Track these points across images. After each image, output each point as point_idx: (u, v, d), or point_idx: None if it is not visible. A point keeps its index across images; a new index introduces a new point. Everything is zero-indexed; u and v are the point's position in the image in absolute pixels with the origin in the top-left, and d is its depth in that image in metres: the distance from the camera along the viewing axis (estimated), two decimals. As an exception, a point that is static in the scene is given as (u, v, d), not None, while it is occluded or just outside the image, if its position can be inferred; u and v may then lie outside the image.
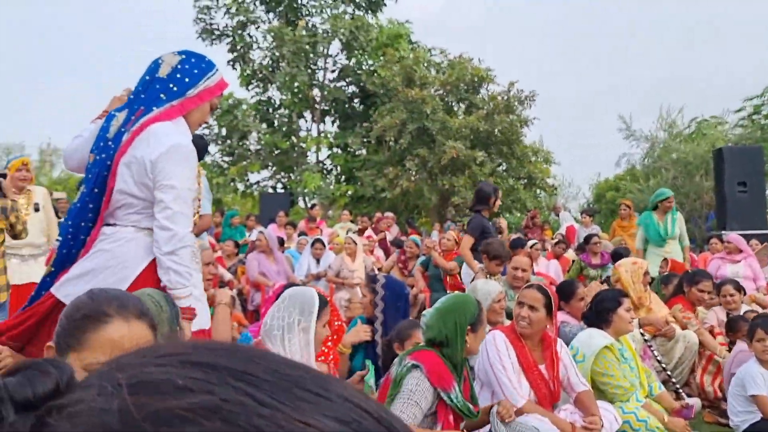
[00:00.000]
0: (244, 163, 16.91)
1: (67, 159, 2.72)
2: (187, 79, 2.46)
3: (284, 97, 17.29)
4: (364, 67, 17.14)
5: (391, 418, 0.40)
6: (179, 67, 2.46)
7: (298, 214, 19.19)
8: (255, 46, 17.14)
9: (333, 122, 18.16)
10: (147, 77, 2.49)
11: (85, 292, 1.53)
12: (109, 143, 2.42)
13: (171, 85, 2.43)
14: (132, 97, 2.50)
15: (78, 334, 1.42)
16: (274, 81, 16.83)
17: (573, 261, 8.25)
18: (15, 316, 2.47)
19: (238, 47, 16.88)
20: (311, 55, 16.76)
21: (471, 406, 2.66)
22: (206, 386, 0.37)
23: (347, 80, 17.66)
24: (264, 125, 17.04)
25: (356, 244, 8.40)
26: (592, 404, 3.09)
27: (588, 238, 7.94)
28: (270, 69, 16.95)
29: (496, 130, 15.77)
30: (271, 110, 17.82)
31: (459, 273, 7.28)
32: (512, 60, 49.35)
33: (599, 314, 3.60)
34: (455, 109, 16.78)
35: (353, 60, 17.34)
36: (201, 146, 5.30)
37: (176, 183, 2.35)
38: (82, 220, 2.48)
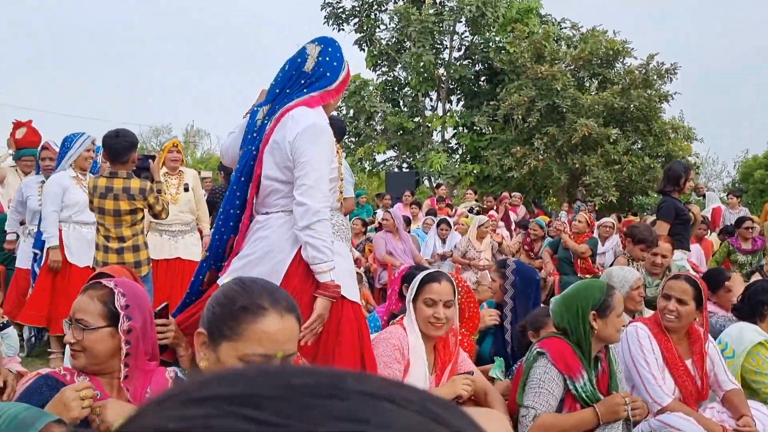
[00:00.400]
0: (371, 143, 17.19)
1: (223, 154, 2.84)
2: (328, 74, 2.52)
3: (410, 77, 17.33)
4: (491, 44, 16.75)
5: (427, 399, 0.38)
6: (320, 59, 2.51)
7: (424, 194, 19.28)
8: (381, 27, 17.27)
9: (459, 101, 17.99)
10: (293, 71, 2.54)
11: (233, 281, 1.56)
12: (254, 135, 2.53)
13: (314, 80, 2.51)
14: (277, 90, 2.56)
15: (234, 325, 1.44)
16: (400, 61, 16.90)
17: (720, 244, 7.66)
18: (187, 310, 2.55)
19: (365, 28, 17.09)
20: (437, 34, 16.63)
21: (602, 398, 2.54)
22: (204, 422, 0.36)
23: (474, 58, 17.37)
24: (389, 105, 17.18)
25: (484, 225, 8.32)
26: (742, 404, 2.84)
27: (740, 221, 7.32)
28: (396, 49, 17.02)
29: (632, 106, 14.92)
30: (396, 90, 17.94)
31: (592, 256, 7.00)
32: (651, 31, 46.30)
33: (753, 307, 3.30)
34: (587, 85, 16.04)
35: (480, 37, 17.01)
36: (339, 127, 5.43)
37: (311, 159, 2.39)
38: (231, 207, 2.56)
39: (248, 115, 2.73)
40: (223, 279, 2.42)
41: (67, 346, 1.98)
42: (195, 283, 2.62)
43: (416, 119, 17.44)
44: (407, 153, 17.69)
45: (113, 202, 4.33)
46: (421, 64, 16.21)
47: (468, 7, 15.79)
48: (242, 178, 2.54)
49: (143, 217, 4.57)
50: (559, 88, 14.44)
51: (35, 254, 5.24)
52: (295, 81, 2.52)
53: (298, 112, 2.45)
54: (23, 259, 5.44)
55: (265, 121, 2.53)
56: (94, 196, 4.40)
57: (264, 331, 1.42)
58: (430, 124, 17.16)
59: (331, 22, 17.24)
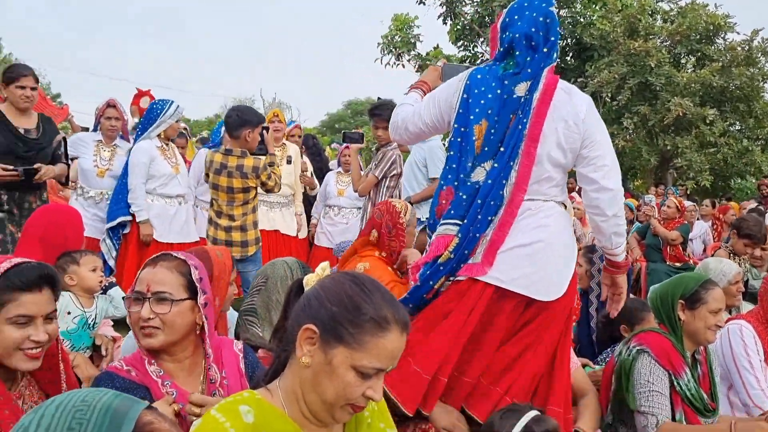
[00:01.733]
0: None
1: (398, 128, 2.51)
2: (553, 39, 2.28)
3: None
4: (580, 19, 16.08)
5: None
6: (552, 29, 2.27)
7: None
8: (466, 1, 16.90)
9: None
10: (541, 33, 2.25)
11: (348, 278, 1.46)
12: (509, 114, 2.20)
13: (545, 50, 2.25)
14: (527, 58, 2.24)
15: (357, 333, 1.37)
16: (484, 36, 16.52)
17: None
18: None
19: (449, 2, 16.78)
20: (524, 8, 16.12)
21: (706, 399, 2.39)
22: None
23: (561, 33, 16.74)
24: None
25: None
26: None
27: None
28: (480, 24, 16.65)
29: (731, 85, 14.02)
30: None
31: (682, 243, 6.67)
32: (757, 4, 43.21)
33: None
34: (683, 62, 15.19)
35: (568, 11, 16.37)
36: None
37: (604, 138, 2.24)
38: (492, 199, 2.18)
39: (416, 89, 2.59)
40: (492, 270, 2.15)
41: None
42: (421, 290, 2.25)
43: (499, 96, 17.05)
44: (488, 130, 17.37)
45: (227, 179, 4.28)
46: (506, 38, 15.76)
47: (557, -20, 15.20)
48: (510, 163, 2.17)
49: (255, 195, 4.50)
50: (653, 65, 13.73)
51: (113, 228, 4.96)
52: (538, 48, 2.24)
53: (566, 86, 2.26)
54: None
55: (520, 96, 2.21)
56: (210, 171, 4.36)
57: (386, 347, 1.37)
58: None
59: (416, -4, 17.02)
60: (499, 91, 2.24)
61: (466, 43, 17.44)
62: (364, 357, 1.35)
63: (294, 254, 5.46)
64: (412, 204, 5.18)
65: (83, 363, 2.43)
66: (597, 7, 15.48)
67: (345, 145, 5.70)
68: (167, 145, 5.16)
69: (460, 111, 2.28)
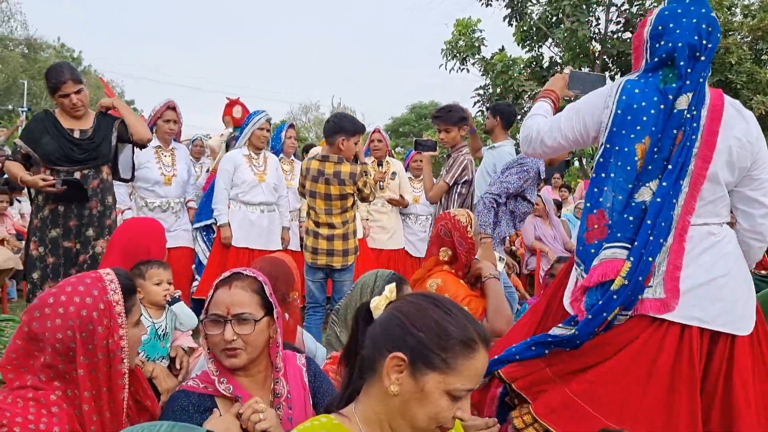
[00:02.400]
0: (518, 123, 16.65)
1: (532, 141, 2.37)
2: (711, 47, 2.15)
3: (560, 54, 16.54)
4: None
5: None
6: (713, 37, 2.14)
7: (573, 176, 18.50)
8: (533, 1, 16.57)
9: (613, 77, 16.91)
10: (703, 42, 2.12)
11: (428, 301, 1.42)
12: (673, 129, 2.07)
13: (703, 59, 2.12)
14: (688, 70, 2.11)
15: (448, 358, 1.35)
16: (552, 36, 16.16)
17: None
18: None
19: (516, 3, 16.50)
20: (593, 7, 15.68)
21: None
22: None
23: (633, 31, 16.19)
24: (537, 84, 16.52)
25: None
26: None
27: None
28: (547, 25, 16.29)
29: (818, 82, 13.23)
30: (545, 68, 17.20)
31: (770, 252, 6.28)
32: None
33: None
34: (766, 58, 14.41)
35: (640, 8, 15.80)
36: (511, 113, 5.22)
37: None
38: (663, 219, 2.04)
39: (545, 98, 2.48)
40: (681, 306, 2.00)
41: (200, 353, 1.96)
42: (592, 324, 2.04)
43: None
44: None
45: (324, 186, 4.25)
46: (575, 39, 15.37)
47: (628, -23, 14.69)
48: (680, 182, 2.04)
49: (354, 203, 4.43)
50: (733, 62, 13.10)
51: (205, 230, 5.13)
52: (700, 58, 2.12)
53: (732, 101, 2.17)
54: None
55: (692, 110, 2.07)
56: (307, 178, 4.33)
57: (476, 367, 1.36)
58: (582, 103, 16.30)
59: (480, -3, 16.82)
60: (662, 106, 2.10)
61: (532, 44, 17.12)
62: (457, 380, 1.33)
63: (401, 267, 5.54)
64: None
65: (162, 374, 2.44)
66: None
67: (416, 151, 5.66)
68: (256, 153, 5.12)
69: (613, 129, 2.14)
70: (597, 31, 16.27)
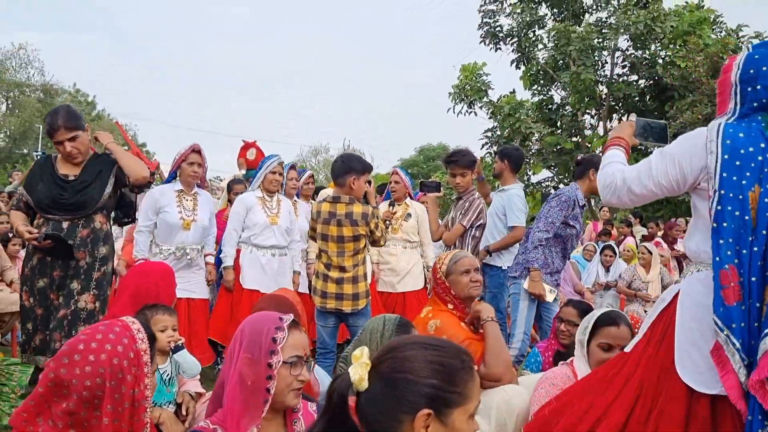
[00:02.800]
0: (525, 164, 16.76)
1: (617, 189, 2.30)
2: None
3: (567, 97, 16.74)
4: (659, 59, 15.69)
5: None
6: None
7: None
8: (540, 45, 16.86)
9: (620, 120, 17.04)
10: None
11: (416, 346, 1.45)
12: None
13: None
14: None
15: (462, 389, 1.40)
16: (559, 80, 16.37)
17: None
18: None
19: (523, 47, 16.78)
20: (598, 51, 15.92)
21: None
22: None
23: (639, 74, 16.39)
24: (545, 126, 16.67)
25: (651, 253, 7.73)
26: None
27: None
28: (554, 68, 16.53)
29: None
30: (553, 110, 17.39)
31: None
32: None
33: None
34: (773, 99, 14.47)
35: (645, 52, 16.02)
36: (519, 157, 5.20)
37: None
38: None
39: (617, 147, 2.42)
40: None
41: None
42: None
43: (575, 139, 16.76)
44: (565, 174, 17.04)
45: (336, 228, 4.13)
46: (581, 82, 15.58)
47: (635, 25, 14.89)
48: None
49: (365, 245, 4.31)
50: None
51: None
52: None
53: None
54: None
55: None
56: (318, 221, 4.22)
57: (478, 382, 1.45)
58: (590, 144, 16.40)
59: (487, 42, 17.13)
60: None
61: (539, 87, 17.35)
62: (473, 402, 1.41)
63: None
64: (490, 253, 5.08)
65: (169, 421, 2.43)
66: (677, 47, 15.08)
67: (421, 192, 5.58)
68: (269, 196, 5.10)
69: (723, 174, 2.04)
70: (602, 74, 16.48)
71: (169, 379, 2.75)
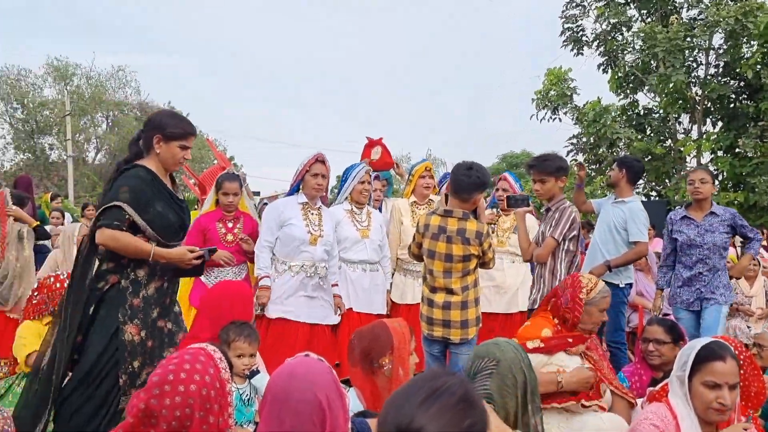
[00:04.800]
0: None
1: None
2: None
3: (656, 100, 16.01)
4: (754, 58, 14.72)
5: None
6: None
7: (673, 226, 17.55)
8: (628, 48, 16.21)
9: (715, 123, 16.13)
10: None
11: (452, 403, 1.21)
12: None
13: None
14: None
15: None
16: (647, 83, 15.69)
17: None
18: None
19: (609, 51, 16.21)
20: (688, 52, 15.13)
21: None
22: None
23: (734, 74, 15.46)
24: (633, 131, 16.01)
25: (759, 264, 7.21)
26: None
27: None
28: (642, 70, 15.85)
29: None
30: (641, 114, 16.68)
31: None
32: None
33: None
34: None
35: (740, 51, 15.07)
36: (640, 168, 5.01)
37: None
38: None
39: None
40: None
41: None
42: None
43: (666, 144, 16.00)
44: (655, 180, 16.28)
45: (446, 245, 3.70)
46: (671, 85, 14.85)
47: (725, 20, 14.06)
48: None
49: (476, 267, 3.84)
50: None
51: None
52: None
53: None
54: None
55: None
56: (425, 236, 3.80)
57: None
58: (682, 149, 15.60)
59: (571, 47, 16.67)
60: None
61: (627, 91, 16.70)
62: None
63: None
64: (611, 269, 4.69)
65: (248, 439, 2.45)
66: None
67: (508, 207, 4.90)
68: (359, 208, 4.79)
69: None
70: (695, 76, 15.66)
71: (248, 399, 2.79)
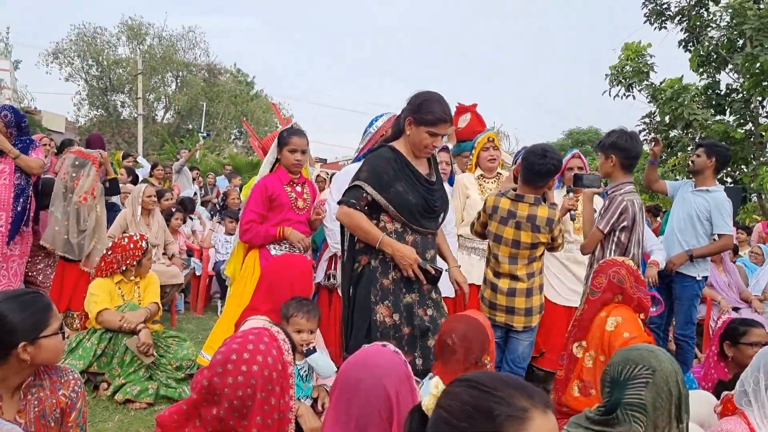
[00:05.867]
0: (686, 152, 15.45)
1: None
2: None
3: (740, 81, 15.13)
4: None
5: None
6: None
7: (748, 213, 16.78)
8: (712, 25, 15.35)
9: (804, 109, 15.17)
10: None
11: (462, 386, 1.27)
12: None
13: None
14: None
15: None
16: (731, 62, 14.84)
17: None
18: None
19: (693, 26, 15.38)
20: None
21: None
22: None
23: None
24: (711, 112, 15.22)
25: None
26: None
27: None
28: (728, 49, 15.00)
29: None
30: (722, 95, 15.83)
31: None
32: None
33: None
34: None
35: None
36: (726, 156, 4.66)
37: None
38: None
39: None
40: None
41: None
42: None
43: (746, 128, 15.17)
44: (732, 165, 15.52)
45: (513, 231, 3.57)
46: (757, 65, 13.99)
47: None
48: None
49: (543, 254, 3.72)
50: None
51: None
52: None
53: None
54: None
55: None
56: (492, 218, 3.67)
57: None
58: (764, 134, 14.77)
59: (653, 21, 15.89)
60: None
61: (709, 70, 15.85)
62: None
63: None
64: (693, 259, 4.56)
65: (307, 414, 2.45)
66: None
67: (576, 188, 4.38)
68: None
69: None
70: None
71: (306, 375, 2.79)
